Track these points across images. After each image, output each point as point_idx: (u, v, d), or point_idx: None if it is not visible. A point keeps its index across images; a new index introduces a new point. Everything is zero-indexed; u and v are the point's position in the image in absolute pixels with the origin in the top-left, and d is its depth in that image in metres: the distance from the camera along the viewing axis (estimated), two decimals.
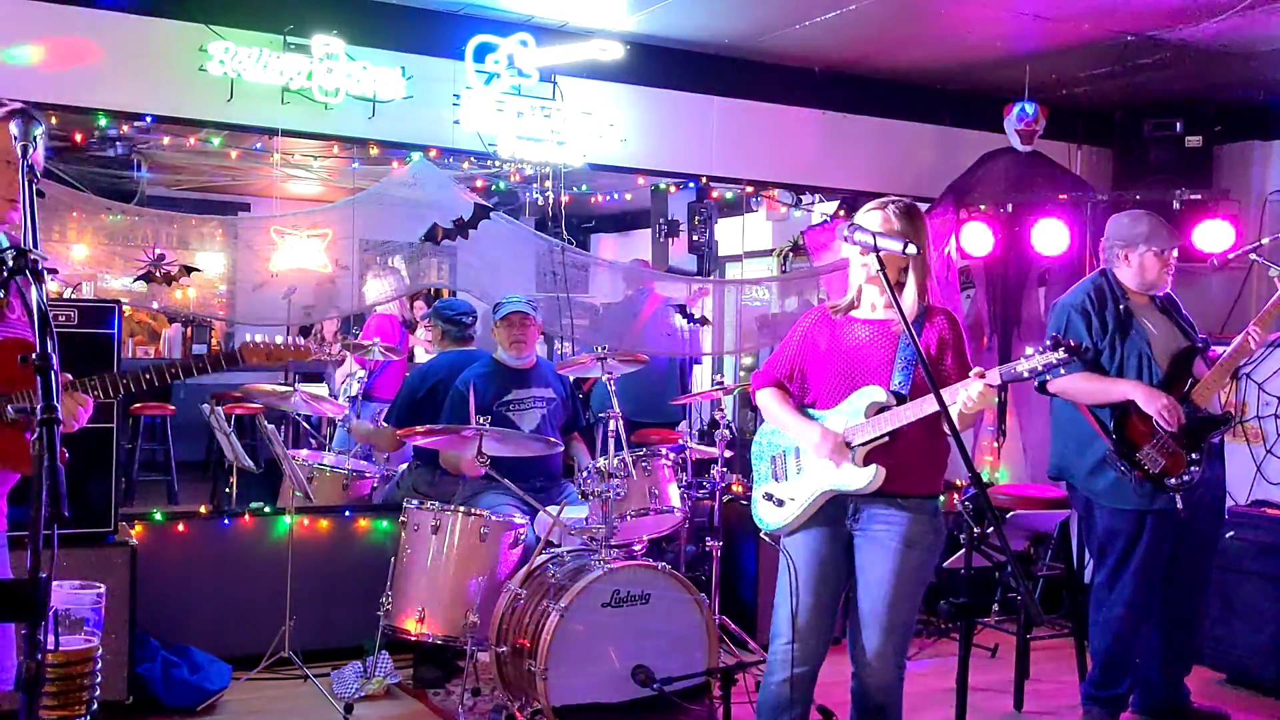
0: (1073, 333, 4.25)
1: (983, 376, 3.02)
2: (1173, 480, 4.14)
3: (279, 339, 3.34)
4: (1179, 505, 4.14)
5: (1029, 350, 3.04)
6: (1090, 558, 4.52)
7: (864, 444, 3.21)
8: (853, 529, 3.34)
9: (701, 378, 8.23)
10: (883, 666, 3.29)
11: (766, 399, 3.48)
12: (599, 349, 4.74)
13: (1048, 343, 2.99)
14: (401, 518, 4.53)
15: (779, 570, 3.40)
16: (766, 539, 3.47)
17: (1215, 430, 4.24)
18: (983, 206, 6.38)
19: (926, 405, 3.10)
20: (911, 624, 3.39)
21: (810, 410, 3.39)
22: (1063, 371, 4.20)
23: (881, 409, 3.21)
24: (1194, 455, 4.15)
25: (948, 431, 2.91)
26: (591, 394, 7.09)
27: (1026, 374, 3.02)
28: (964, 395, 3.03)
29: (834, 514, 3.33)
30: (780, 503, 3.40)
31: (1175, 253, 4.34)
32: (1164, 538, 4.23)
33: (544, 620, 3.98)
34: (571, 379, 5.40)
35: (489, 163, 5.81)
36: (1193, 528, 4.31)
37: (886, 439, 3.20)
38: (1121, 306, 4.28)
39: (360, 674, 4.70)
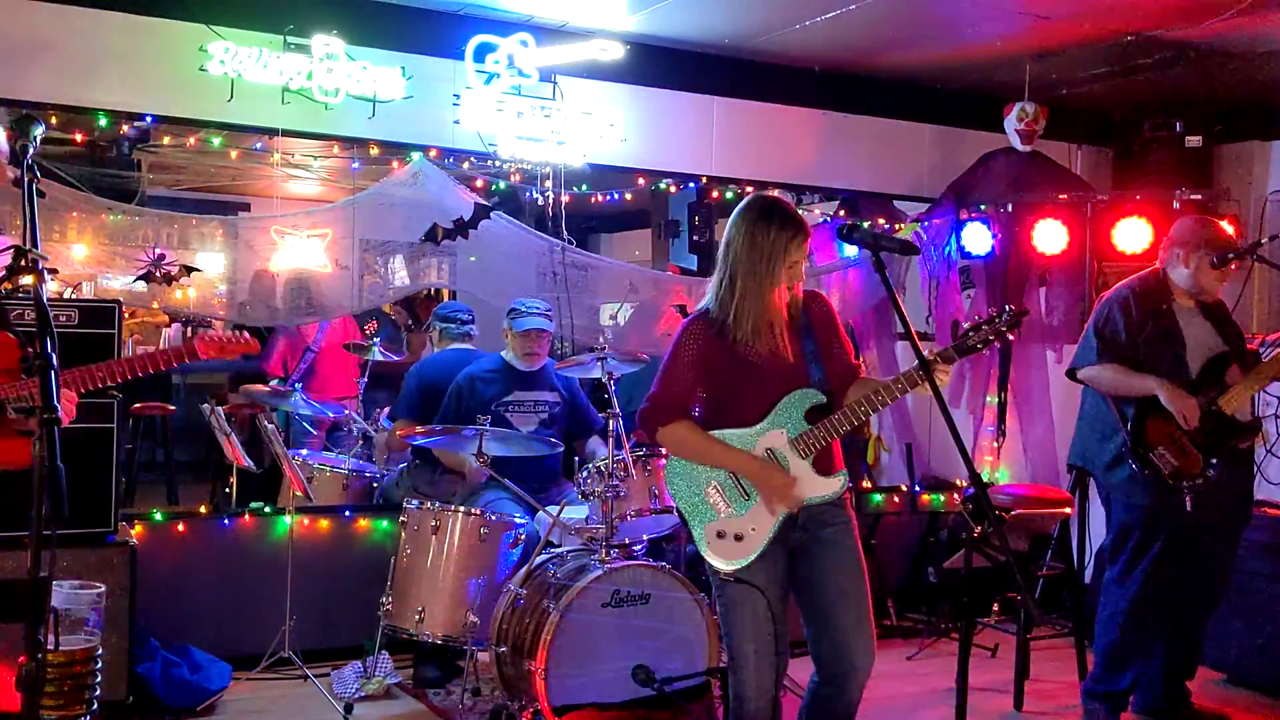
0: (1111, 326, 4.32)
1: (949, 359, 3.01)
2: (1186, 483, 4.16)
3: (228, 331, 3.40)
4: (1188, 506, 4.16)
5: (966, 323, 3.09)
6: (1101, 551, 4.56)
7: (816, 450, 3.15)
8: (797, 540, 3.21)
9: None
10: (867, 669, 3.20)
11: (684, 435, 3.20)
12: (599, 349, 4.74)
13: (991, 310, 3.04)
14: (401, 518, 4.53)
15: (734, 601, 3.18)
16: (729, 579, 3.16)
17: (1239, 437, 4.26)
18: (983, 206, 6.38)
19: (888, 392, 3.06)
20: None
21: (734, 430, 3.20)
22: (1094, 359, 4.28)
23: (818, 409, 3.15)
24: (1212, 460, 4.16)
25: (947, 426, 2.87)
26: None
27: (981, 345, 3.04)
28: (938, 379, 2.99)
29: (784, 531, 3.19)
30: (740, 537, 3.17)
31: (1233, 264, 4.35)
32: (1177, 538, 4.24)
33: (544, 620, 3.97)
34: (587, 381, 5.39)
35: (489, 163, 5.81)
36: (1212, 532, 4.32)
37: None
38: (1164, 306, 4.33)
39: (360, 674, 4.70)
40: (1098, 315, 4.41)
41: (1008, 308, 3.06)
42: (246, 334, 3.43)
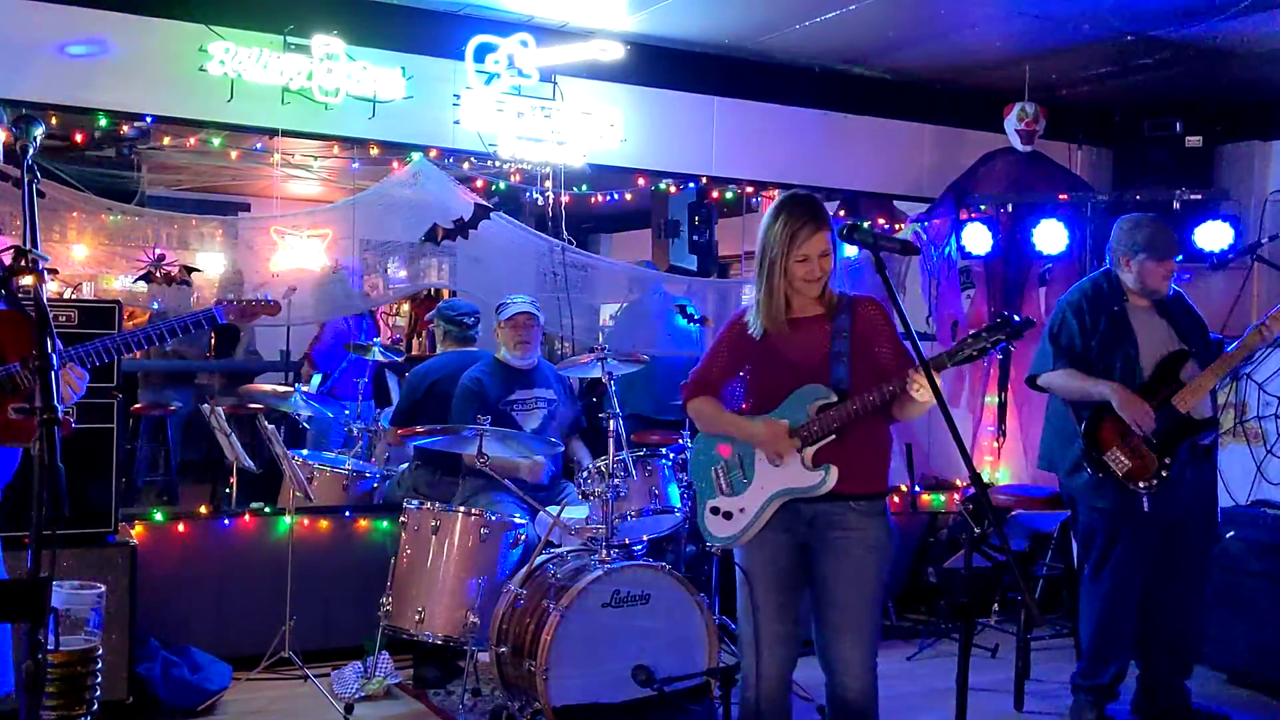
0: (1066, 330, 4.36)
1: (940, 366, 3.03)
2: (1141, 484, 4.19)
3: (249, 297, 3.47)
4: (1145, 507, 4.20)
5: (972, 333, 3.09)
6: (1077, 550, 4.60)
7: (814, 445, 3.20)
8: (808, 536, 3.30)
9: None
10: (859, 674, 3.27)
11: (700, 406, 3.43)
12: (599, 349, 4.74)
13: (998, 320, 3.06)
14: (401, 518, 4.53)
15: (739, 585, 3.35)
16: (716, 553, 3.42)
17: (1193, 435, 4.27)
18: (983, 206, 6.38)
19: (879, 392, 3.10)
20: (879, 626, 3.39)
21: (755, 416, 3.33)
22: (1050, 365, 4.31)
23: (825, 406, 3.20)
24: (1165, 460, 4.19)
25: (947, 426, 2.88)
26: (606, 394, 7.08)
27: (976, 354, 3.06)
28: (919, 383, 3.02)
29: (788, 521, 3.29)
30: (729, 515, 3.34)
31: (1176, 260, 4.38)
32: (1143, 538, 4.28)
33: (544, 620, 3.97)
34: (586, 379, 5.40)
35: (489, 163, 5.81)
36: (1183, 530, 4.36)
37: (834, 438, 3.19)
38: (1116, 308, 4.34)
39: (360, 674, 4.70)
40: (1052, 320, 4.45)
41: (1011, 315, 3.05)
42: (269, 297, 3.51)
